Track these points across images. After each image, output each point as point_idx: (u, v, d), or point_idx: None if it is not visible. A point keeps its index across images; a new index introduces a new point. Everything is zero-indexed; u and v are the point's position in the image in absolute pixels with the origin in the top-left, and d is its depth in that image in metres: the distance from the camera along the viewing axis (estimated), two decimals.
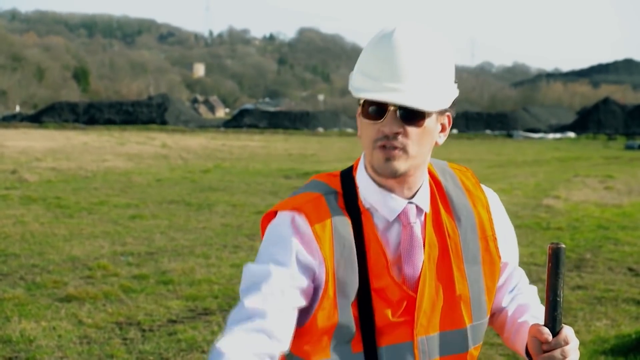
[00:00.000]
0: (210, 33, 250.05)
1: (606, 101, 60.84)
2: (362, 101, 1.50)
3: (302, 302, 1.51)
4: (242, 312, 1.45)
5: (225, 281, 7.09)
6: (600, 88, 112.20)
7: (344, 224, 1.53)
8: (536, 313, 1.67)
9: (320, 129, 58.28)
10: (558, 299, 1.46)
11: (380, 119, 1.47)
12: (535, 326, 1.49)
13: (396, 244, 1.56)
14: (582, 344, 5.26)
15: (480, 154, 31.08)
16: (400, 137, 1.48)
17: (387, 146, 1.48)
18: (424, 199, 1.59)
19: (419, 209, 1.58)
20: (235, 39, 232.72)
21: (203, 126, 59.96)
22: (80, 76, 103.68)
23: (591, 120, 58.14)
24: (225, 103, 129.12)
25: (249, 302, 1.45)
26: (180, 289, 6.78)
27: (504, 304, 1.74)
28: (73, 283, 6.89)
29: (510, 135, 53.94)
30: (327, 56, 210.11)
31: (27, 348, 5.15)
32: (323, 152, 31.49)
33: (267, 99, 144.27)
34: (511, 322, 1.69)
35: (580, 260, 8.37)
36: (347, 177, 1.61)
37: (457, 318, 1.59)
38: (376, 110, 1.48)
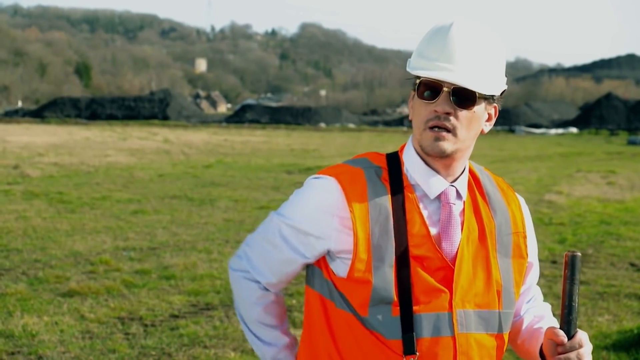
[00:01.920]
0: (212, 28, 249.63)
1: (608, 96, 60.72)
2: (417, 83, 1.60)
3: (304, 261, 1.69)
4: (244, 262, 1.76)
5: (227, 276, 7.08)
6: (602, 83, 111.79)
7: (382, 194, 1.62)
8: (551, 323, 1.73)
9: (322, 124, 58.24)
10: (573, 304, 1.55)
11: (433, 100, 1.57)
12: (551, 329, 1.57)
13: (436, 221, 1.63)
14: None
15: (482, 149, 31.03)
16: (451, 118, 1.57)
17: (438, 126, 1.57)
18: (463, 186, 1.68)
19: (459, 194, 1.67)
20: (237, 34, 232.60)
21: (205, 121, 59.94)
22: (82, 71, 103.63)
23: (593, 116, 58.05)
24: (227, 98, 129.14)
25: (254, 256, 1.74)
26: (182, 284, 6.79)
27: (521, 312, 1.80)
28: (75, 278, 6.89)
29: (512, 131, 53.84)
30: (329, 51, 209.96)
31: (29, 343, 5.16)
32: (325, 147, 31.48)
33: (269, 94, 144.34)
34: (526, 329, 1.76)
35: (582, 255, 8.35)
36: (393, 156, 1.71)
37: (492, 300, 1.64)
38: (430, 91, 1.58)
